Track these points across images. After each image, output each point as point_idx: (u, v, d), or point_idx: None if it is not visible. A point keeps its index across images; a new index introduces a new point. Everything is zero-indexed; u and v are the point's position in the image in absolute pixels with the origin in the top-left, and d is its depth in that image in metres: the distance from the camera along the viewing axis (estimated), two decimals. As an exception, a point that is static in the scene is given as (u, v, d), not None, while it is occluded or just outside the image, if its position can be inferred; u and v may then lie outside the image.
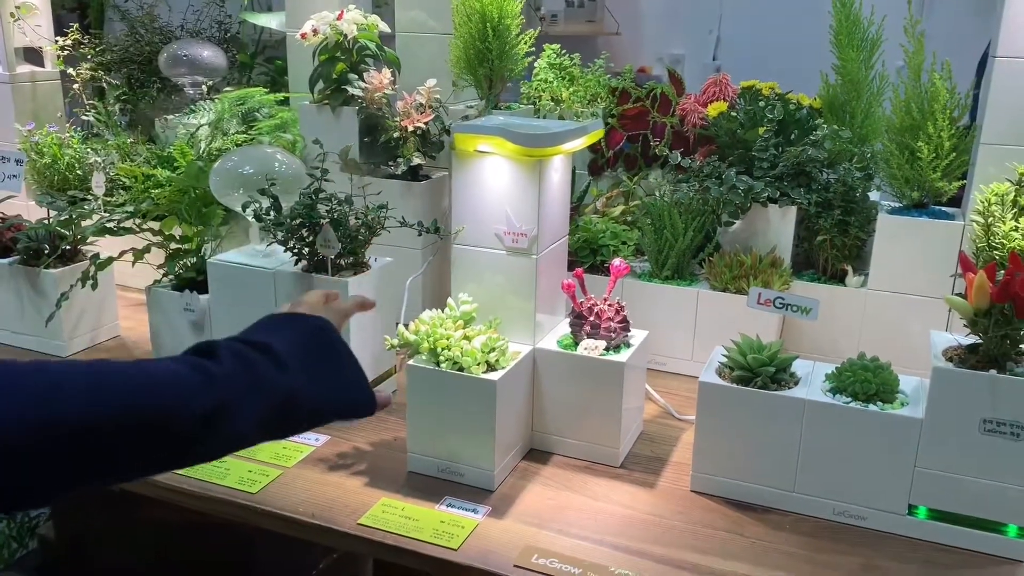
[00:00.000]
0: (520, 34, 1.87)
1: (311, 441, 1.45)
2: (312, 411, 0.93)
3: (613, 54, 2.11)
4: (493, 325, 1.38)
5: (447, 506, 1.28)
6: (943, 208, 1.68)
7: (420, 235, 1.53)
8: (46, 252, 1.75)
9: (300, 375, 0.91)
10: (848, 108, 1.81)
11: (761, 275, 1.67)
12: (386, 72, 1.81)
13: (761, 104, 1.82)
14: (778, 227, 1.75)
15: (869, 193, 1.73)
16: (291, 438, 1.45)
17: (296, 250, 1.48)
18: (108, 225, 1.69)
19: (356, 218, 1.47)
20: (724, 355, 1.34)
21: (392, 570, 1.30)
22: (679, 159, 1.81)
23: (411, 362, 1.34)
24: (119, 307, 1.91)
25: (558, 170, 1.39)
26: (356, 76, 1.83)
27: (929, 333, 1.30)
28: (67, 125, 2.28)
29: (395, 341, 1.36)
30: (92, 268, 1.68)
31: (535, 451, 1.44)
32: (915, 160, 1.62)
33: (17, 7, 2.16)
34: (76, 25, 2.36)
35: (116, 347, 1.86)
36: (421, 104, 1.79)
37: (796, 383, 1.30)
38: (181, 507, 1.36)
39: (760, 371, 1.29)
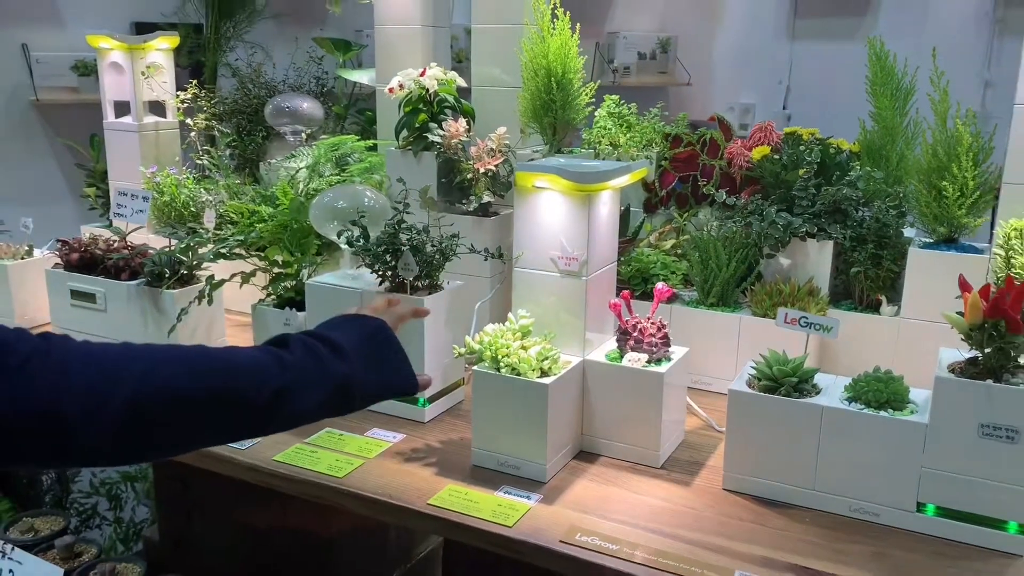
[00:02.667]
0: (582, 86, 2.09)
1: (389, 438, 1.66)
2: (365, 395, 1.14)
3: (684, 104, 2.29)
4: (548, 338, 1.58)
5: (504, 492, 1.46)
6: (973, 244, 1.81)
7: (486, 260, 1.75)
8: (167, 275, 2.03)
9: (357, 365, 1.12)
10: (884, 152, 1.97)
11: (799, 303, 1.83)
12: (462, 121, 2.05)
13: (801, 148, 1.99)
14: (816, 259, 1.90)
15: (904, 229, 1.87)
16: (373, 434, 1.67)
17: (380, 273, 1.72)
18: (222, 251, 1.96)
19: (432, 246, 1.70)
20: (753, 367, 1.50)
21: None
22: (724, 197, 1.99)
23: (475, 368, 1.54)
24: (226, 327, 2.18)
25: (606, 204, 1.59)
26: (436, 125, 2.07)
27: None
28: (183, 168, 2.60)
29: (462, 350, 1.57)
30: (207, 287, 1.94)
31: (584, 452, 1.62)
32: (942, 198, 1.76)
33: (148, 67, 2.50)
34: (195, 81, 2.69)
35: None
36: (492, 149, 2.02)
37: (818, 393, 1.45)
38: (270, 515, 1.55)
39: (784, 381, 1.45)
